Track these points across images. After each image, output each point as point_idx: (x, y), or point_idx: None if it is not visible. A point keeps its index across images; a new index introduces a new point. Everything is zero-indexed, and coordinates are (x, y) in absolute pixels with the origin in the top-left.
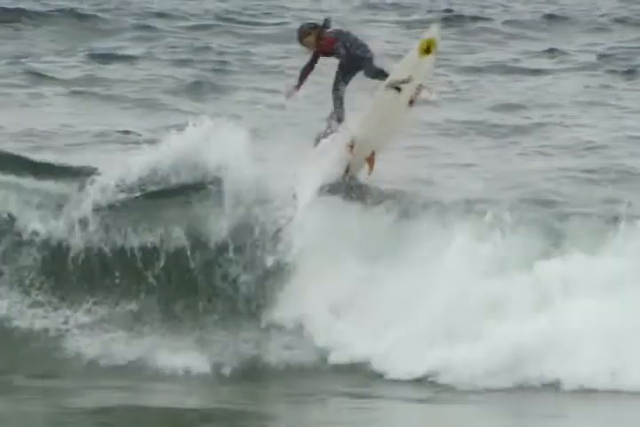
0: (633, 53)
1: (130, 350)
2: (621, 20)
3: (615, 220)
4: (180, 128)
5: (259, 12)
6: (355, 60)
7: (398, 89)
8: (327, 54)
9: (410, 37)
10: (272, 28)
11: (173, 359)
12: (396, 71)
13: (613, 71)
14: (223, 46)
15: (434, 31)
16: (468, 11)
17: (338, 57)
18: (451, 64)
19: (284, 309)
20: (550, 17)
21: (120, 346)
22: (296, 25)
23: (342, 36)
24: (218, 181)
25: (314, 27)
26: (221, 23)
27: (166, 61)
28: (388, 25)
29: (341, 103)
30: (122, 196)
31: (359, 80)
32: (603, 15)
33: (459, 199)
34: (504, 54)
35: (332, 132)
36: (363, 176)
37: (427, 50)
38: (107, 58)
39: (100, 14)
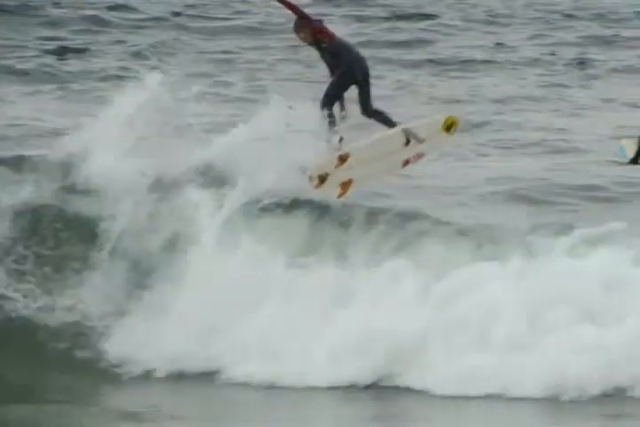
0: (582, 46)
1: None
2: (571, 15)
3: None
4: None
5: (214, 7)
6: (354, 68)
7: (408, 141)
8: (318, 44)
9: (364, 29)
10: (228, 22)
11: None
12: (418, 126)
13: (567, 64)
14: (179, 40)
15: (460, 117)
16: (418, 6)
17: (335, 58)
18: (400, 59)
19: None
20: (499, 13)
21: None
22: (252, 20)
23: (342, 39)
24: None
25: (316, 21)
26: (175, 18)
27: (120, 54)
28: (340, 19)
29: (333, 123)
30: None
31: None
32: (554, 12)
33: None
34: (453, 49)
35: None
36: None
37: (447, 128)
38: (60, 51)
39: (52, 8)
